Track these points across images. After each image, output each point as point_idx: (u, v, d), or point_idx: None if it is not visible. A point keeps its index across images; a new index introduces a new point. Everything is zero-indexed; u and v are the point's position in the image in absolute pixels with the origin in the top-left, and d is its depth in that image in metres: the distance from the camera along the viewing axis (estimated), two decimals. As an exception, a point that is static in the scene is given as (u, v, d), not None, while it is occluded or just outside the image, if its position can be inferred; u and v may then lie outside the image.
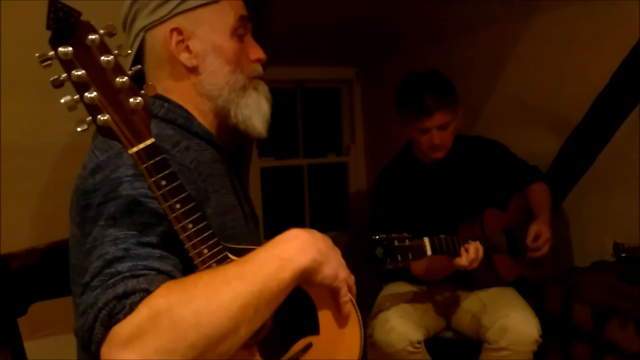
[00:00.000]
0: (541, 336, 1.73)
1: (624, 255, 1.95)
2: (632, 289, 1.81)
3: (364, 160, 3.52)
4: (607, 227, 2.13)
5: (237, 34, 1.00)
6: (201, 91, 0.99)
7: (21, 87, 1.52)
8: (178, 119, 0.96)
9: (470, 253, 1.62)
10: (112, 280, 0.72)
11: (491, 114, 2.53)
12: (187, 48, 0.97)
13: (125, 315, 0.67)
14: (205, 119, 1.01)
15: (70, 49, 0.68)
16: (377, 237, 1.43)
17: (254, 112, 1.02)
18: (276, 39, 1.83)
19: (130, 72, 0.74)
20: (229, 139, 1.09)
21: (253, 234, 1.06)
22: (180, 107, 0.98)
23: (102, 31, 0.71)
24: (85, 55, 0.70)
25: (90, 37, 0.69)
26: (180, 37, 0.96)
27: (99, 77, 0.70)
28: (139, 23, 0.97)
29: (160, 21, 0.96)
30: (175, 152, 0.87)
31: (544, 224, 1.89)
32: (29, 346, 1.09)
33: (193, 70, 0.98)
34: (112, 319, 0.68)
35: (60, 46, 0.68)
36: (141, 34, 0.98)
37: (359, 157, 3.52)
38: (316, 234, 0.85)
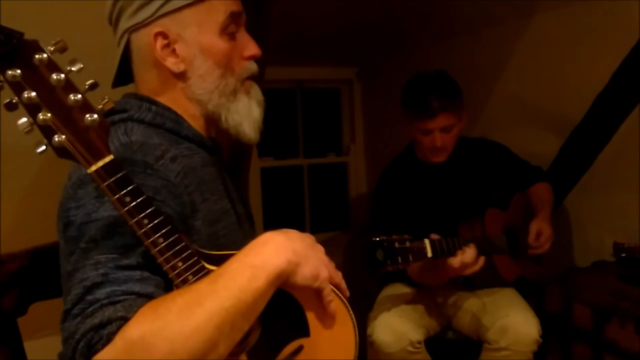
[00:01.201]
0: (541, 336, 1.73)
1: (624, 255, 1.95)
2: (632, 289, 1.81)
3: (364, 160, 3.52)
4: (607, 227, 2.13)
5: (227, 32, 0.95)
6: (190, 96, 0.96)
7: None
8: (166, 123, 0.93)
9: (465, 256, 1.59)
10: (90, 309, 0.72)
11: (491, 114, 2.53)
12: (174, 52, 0.92)
13: (103, 346, 0.68)
14: (195, 121, 0.98)
15: (18, 71, 0.66)
16: (377, 239, 1.43)
17: (245, 118, 0.98)
18: (276, 39, 1.83)
19: (85, 87, 0.71)
20: (228, 139, 1.07)
21: (248, 236, 1.03)
22: (169, 109, 0.94)
23: (51, 48, 0.68)
24: (34, 76, 0.67)
25: (37, 56, 0.67)
26: (166, 41, 0.91)
27: (50, 97, 0.68)
28: (123, 24, 0.93)
29: (144, 24, 0.91)
30: (159, 166, 0.84)
31: (545, 222, 1.89)
32: (29, 346, 1.10)
33: (181, 76, 0.94)
34: (91, 350, 0.68)
35: (6, 69, 0.65)
36: (126, 35, 0.94)
37: (359, 157, 3.52)
38: (292, 234, 0.82)
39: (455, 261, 1.59)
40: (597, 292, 1.86)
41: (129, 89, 1.01)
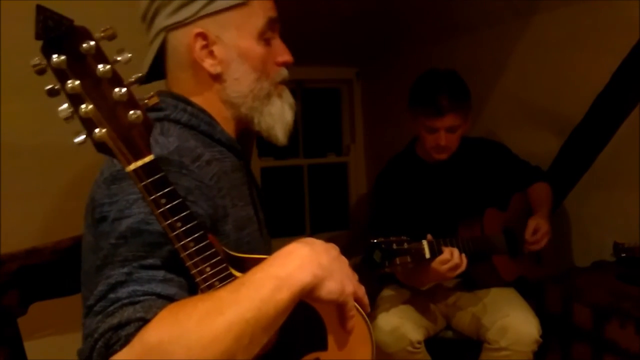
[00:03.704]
0: (541, 336, 1.74)
1: (624, 255, 1.95)
2: (632, 289, 1.81)
3: (364, 160, 3.52)
4: (607, 227, 2.13)
5: (264, 38, 0.96)
6: (224, 98, 0.96)
7: (21, 87, 1.52)
8: (201, 125, 0.93)
9: (445, 255, 1.59)
10: (111, 308, 0.71)
11: (491, 114, 2.53)
12: (211, 53, 0.93)
13: (121, 347, 0.67)
14: (227, 124, 0.98)
15: (63, 58, 0.63)
16: (375, 240, 1.43)
17: (278, 121, 0.99)
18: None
19: (130, 81, 0.69)
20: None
21: (267, 243, 1.05)
22: (204, 111, 0.95)
23: (101, 34, 0.66)
24: (80, 65, 0.65)
25: (85, 44, 0.65)
26: (204, 42, 0.92)
27: (95, 88, 0.66)
28: (160, 22, 0.93)
29: (184, 23, 0.91)
30: (194, 168, 0.84)
31: (543, 218, 1.89)
32: (29, 346, 1.09)
33: (217, 77, 0.95)
34: (109, 350, 0.68)
35: (52, 55, 0.63)
36: (162, 34, 0.93)
37: (359, 157, 3.52)
38: (318, 246, 0.79)
39: (439, 265, 1.59)
40: (597, 292, 1.86)
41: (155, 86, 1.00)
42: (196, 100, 0.95)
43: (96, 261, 0.78)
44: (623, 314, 1.74)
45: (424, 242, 1.55)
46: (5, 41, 1.47)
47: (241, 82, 0.95)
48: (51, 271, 1.10)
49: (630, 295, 1.77)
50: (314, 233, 3.40)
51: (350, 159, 3.54)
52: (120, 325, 0.69)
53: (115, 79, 0.67)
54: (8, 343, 1.05)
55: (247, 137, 1.05)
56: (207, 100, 0.96)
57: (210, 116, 0.95)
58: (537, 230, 1.87)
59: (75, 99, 0.66)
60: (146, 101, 0.70)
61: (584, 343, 1.88)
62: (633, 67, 1.93)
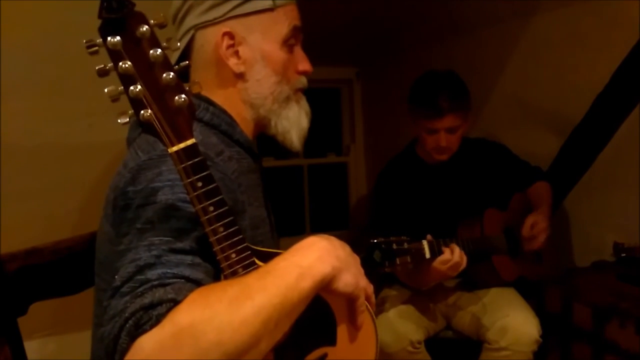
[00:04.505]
0: (541, 336, 1.74)
1: (623, 255, 1.95)
2: (632, 289, 1.81)
3: (364, 160, 3.52)
4: (607, 227, 2.13)
5: (287, 44, 1.00)
6: (245, 98, 0.99)
7: (21, 87, 1.52)
8: (222, 125, 0.96)
9: (446, 254, 1.60)
10: (141, 289, 0.72)
11: (491, 114, 2.53)
12: (237, 53, 0.97)
13: (151, 327, 0.67)
14: (246, 126, 1.01)
15: (119, 39, 0.66)
16: (375, 240, 1.43)
17: (294, 125, 1.03)
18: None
19: (176, 68, 0.72)
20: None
21: (276, 245, 1.07)
22: (225, 112, 0.97)
23: (152, 22, 0.69)
24: (134, 48, 0.68)
25: (141, 29, 0.68)
26: (231, 42, 0.96)
27: (146, 71, 0.69)
28: (191, 20, 0.96)
29: (213, 22, 0.95)
30: (219, 161, 0.87)
31: (541, 215, 1.89)
32: (29, 346, 1.10)
33: (239, 77, 0.98)
34: (139, 330, 0.68)
35: (109, 36, 0.66)
36: (191, 32, 0.97)
37: (359, 157, 3.52)
38: (334, 241, 0.83)
39: (440, 265, 1.59)
40: (597, 292, 1.86)
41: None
42: (217, 98, 0.98)
43: (118, 247, 0.79)
44: (623, 314, 1.74)
45: (424, 242, 1.55)
46: (5, 41, 1.47)
47: (262, 83, 0.98)
48: (51, 271, 1.10)
49: (630, 295, 1.77)
50: (314, 233, 3.39)
51: (350, 159, 3.54)
52: (152, 305, 0.69)
53: (165, 64, 0.70)
54: (8, 343, 1.05)
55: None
56: (228, 100, 0.98)
57: (230, 117, 0.98)
58: (535, 225, 1.86)
59: (126, 80, 0.68)
60: (188, 88, 0.73)
61: (584, 343, 1.89)
62: (633, 67, 1.93)
